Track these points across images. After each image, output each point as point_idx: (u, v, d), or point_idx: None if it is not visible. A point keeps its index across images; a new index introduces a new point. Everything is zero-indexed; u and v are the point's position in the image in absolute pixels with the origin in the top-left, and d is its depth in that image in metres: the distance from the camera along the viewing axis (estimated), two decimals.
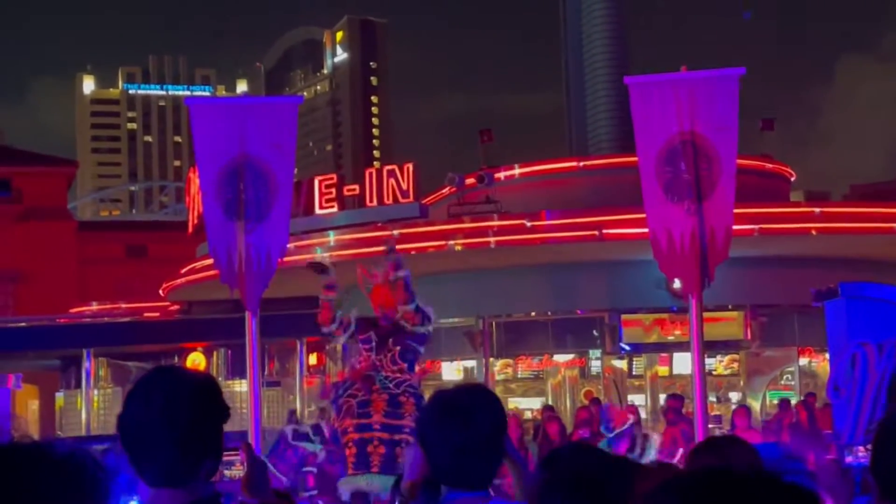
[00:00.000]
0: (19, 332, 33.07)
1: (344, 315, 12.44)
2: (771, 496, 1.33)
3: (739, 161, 14.31)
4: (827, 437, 16.73)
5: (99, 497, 1.23)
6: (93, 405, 31.86)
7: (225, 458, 3.46)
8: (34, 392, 38.82)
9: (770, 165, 30.13)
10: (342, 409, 12.00)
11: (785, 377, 28.74)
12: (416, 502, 3.36)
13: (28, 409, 38.45)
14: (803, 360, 28.24)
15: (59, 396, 35.69)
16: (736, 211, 14.05)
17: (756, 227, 23.40)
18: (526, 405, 28.30)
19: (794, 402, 23.45)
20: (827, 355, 19.58)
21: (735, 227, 14.25)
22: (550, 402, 27.47)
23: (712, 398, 25.20)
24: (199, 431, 2.92)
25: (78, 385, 32.64)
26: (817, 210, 25.83)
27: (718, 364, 27.43)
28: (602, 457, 3.21)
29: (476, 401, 3.39)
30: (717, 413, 25.30)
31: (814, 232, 24.91)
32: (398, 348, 12.13)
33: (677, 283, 15.55)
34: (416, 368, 12.64)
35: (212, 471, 3.01)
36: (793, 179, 32.55)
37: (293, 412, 26.47)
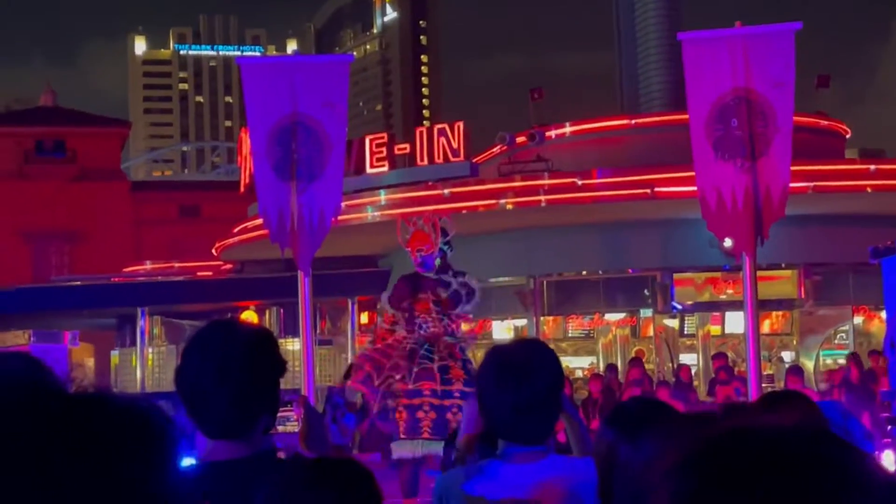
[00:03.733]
0: (75, 291, 33.48)
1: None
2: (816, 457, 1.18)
3: (794, 118, 14.13)
4: (882, 395, 16.62)
5: (164, 448, 1.23)
6: (147, 363, 32.25)
7: (280, 414, 3.48)
8: (90, 350, 39.36)
9: (825, 122, 29.76)
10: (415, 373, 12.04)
11: (839, 336, 28.50)
12: (472, 456, 3.36)
13: (84, 366, 38.95)
14: (858, 319, 27.98)
15: (115, 354, 36.13)
16: (791, 168, 13.90)
17: (810, 184, 23.14)
18: (576, 364, 28.30)
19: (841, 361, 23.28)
20: (882, 314, 19.39)
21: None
22: (601, 362, 27.48)
23: (764, 357, 25.06)
24: (255, 384, 2.94)
25: (133, 343, 33.05)
26: (872, 167, 25.50)
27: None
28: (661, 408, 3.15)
29: (533, 357, 3.37)
30: (769, 372, 25.17)
31: (869, 189, 24.61)
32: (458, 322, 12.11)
33: (728, 242, 15.41)
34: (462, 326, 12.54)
35: (269, 425, 3.03)
36: (848, 136, 32.13)
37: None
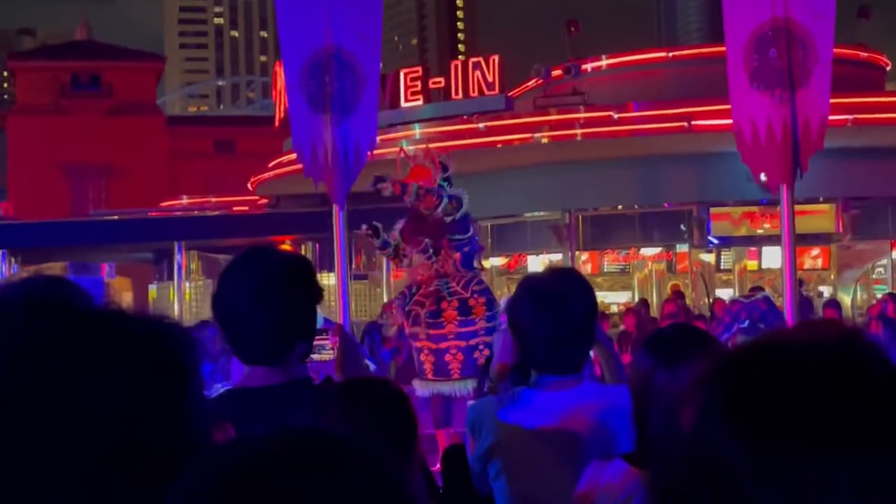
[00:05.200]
0: (113, 225, 33.69)
1: (388, 237, 12.26)
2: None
3: (834, 49, 13.91)
4: None
5: (186, 366, 1.20)
6: (185, 297, 32.48)
7: (316, 343, 3.49)
8: (127, 284, 39.70)
9: (865, 54, 29.32)
10: (411, 316, 11.97)
11: (877, 271, 28.31)
12: (505, 385, 3.35)
13: (122, 300, 39.34)
14: None
15: (152, 288, 36.44)
16: (830, 101, 13.71)
17: (850, 117, 22.85)
18: (612, 299, 28.27)
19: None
20: None
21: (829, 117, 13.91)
22: (636, 297, 27.43)
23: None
24: (292, 309, 2.94)
25: (170, 277, 33.29)
26: None
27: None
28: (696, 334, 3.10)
29: (567, 287, 3.33)
30: None
31: None
32: (456, 254, 11.82)
33: (763, 177, 15.25)
34: (479, 263, 12.28)
35: (306, 352, 3.04)
36: (888, 69, 31.69)
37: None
